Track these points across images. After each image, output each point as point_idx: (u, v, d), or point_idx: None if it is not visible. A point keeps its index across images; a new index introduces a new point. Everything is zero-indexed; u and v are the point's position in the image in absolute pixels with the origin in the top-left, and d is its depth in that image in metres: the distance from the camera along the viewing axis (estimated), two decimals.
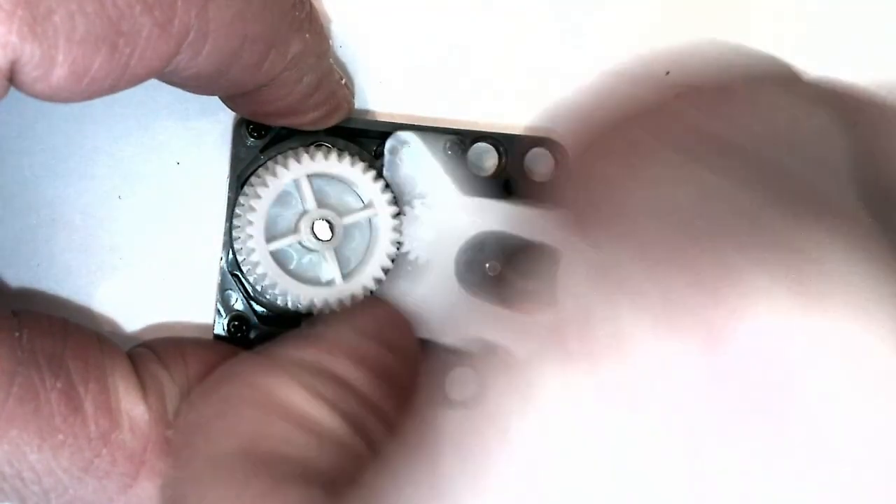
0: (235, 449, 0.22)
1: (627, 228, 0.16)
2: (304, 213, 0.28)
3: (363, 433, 0.23)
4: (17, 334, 0.23)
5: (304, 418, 0.23)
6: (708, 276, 0.14)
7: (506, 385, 0.15)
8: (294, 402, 0.23)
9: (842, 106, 0.17)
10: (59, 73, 0.20)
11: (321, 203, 0.28)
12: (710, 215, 0.15)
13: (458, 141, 0.29)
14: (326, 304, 0.28)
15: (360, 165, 0.28)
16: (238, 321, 0.29)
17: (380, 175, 0.29)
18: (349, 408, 0.23)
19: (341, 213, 0.28)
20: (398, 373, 0.25)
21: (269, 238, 0.28)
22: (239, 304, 0.29)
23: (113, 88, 0.21)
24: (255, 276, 0.28)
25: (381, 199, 0.28)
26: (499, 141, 0.29)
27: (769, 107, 0.17)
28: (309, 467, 0.22)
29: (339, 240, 0.28)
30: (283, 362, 0.24)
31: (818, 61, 0.32)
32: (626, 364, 0.14)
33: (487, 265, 0.29)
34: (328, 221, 0.28)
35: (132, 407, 0.24)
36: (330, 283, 0.28)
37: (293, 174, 0.28)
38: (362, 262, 0.29)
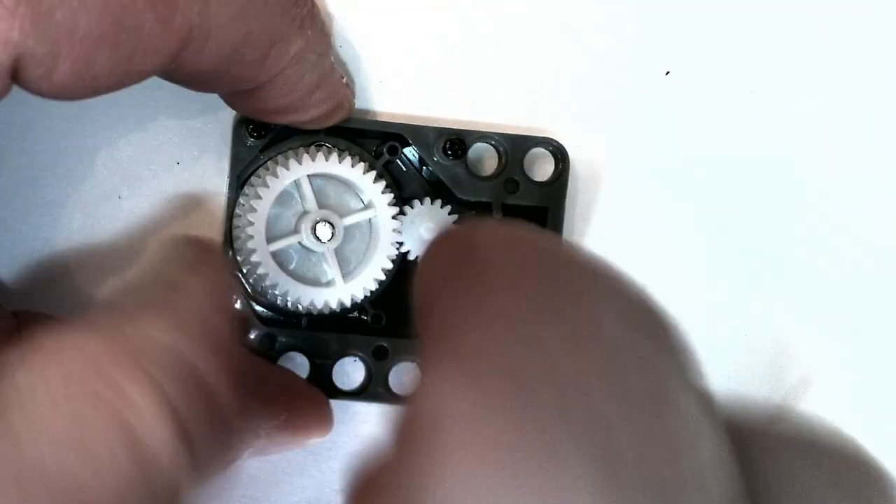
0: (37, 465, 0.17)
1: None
2: (305, 213, 0.28)
3: (188, 454, 0.19)
4: (16, 334, 0.23)
5: (139, 437, 0.18)
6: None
7: None
8: (137, 407, 0.18)
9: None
10: (63, 70, 0.20)
11: (321, 203, 0.28)
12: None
13: (458, 141, 0.29)
14: (326, 304, 0.28)
15: (361, 166, 0.28)
16: (238, 321, 0.29)
17: (380, 176, 0.29)
18: (189, 415, 0.19)
19: (342, 214, 0.28)
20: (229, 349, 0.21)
21: (270, 238, 0.28)
22: (239, 305, 0.29)
23: (116, 85, 0.21)
24: (255, 276, 0.28)
25: (381, 201, 0.28)
26: (499, 141, 0.29)
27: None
28: None
29: (339, 240, 0.28)
30: (137, 344, 0.19)
31: (818, 61, 0.32)
32: None
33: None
34: (328, 222, 0.28)
35: None
36: (330, 283, 0.28)
37: (294, 174, 0.28)
38: (362, 262, 0.29)
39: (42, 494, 0.17)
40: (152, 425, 0.18)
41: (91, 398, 0.18)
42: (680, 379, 0.15)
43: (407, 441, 0.14)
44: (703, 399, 0.15)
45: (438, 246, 0.18)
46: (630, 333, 0.15)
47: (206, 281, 0.21)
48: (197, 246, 0.22)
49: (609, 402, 0.14)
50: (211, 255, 0.22)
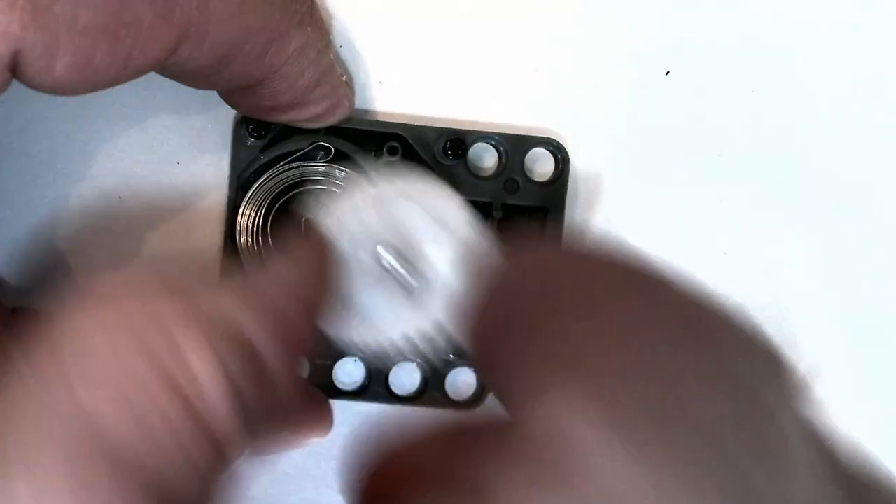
0: (89, 419, 0.16)
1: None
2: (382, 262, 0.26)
3: (245, 431, 0.18)
4: (16, 331, 0.23)
5: (194, 399, 0.17)
6: None
7: None
8: (196, 372, 0.17)
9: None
10: (62, 65, 0.20)
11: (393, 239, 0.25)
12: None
13: (458, 141, 0.29)
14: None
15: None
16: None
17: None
18: (247, 393, 0.18)
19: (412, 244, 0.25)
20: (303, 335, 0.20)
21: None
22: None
23: (115, 80, 0.21)
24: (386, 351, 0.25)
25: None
26: (499, 141, 0.29)
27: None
28: (167, 476, 0.17)
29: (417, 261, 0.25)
30: (204, 310, 0.18)
31: (818, 61, 0.32)
32: None
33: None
34: (404, 256, 0.25)
35: None
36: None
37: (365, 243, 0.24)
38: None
39: (87, 455, 0.16)
40: (211, 398, 0.17)
41: (148, 356, 0.17)
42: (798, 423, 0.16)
43: (534, 458, 0.15)
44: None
45: (494, 291, 0.18)
46: (760, 383, 0.16)
47: (297, 272, 0.20)
48: (310, 244, 0.22)
49: (747, 458, 0.15)
50: (318, 251, 0.22)
